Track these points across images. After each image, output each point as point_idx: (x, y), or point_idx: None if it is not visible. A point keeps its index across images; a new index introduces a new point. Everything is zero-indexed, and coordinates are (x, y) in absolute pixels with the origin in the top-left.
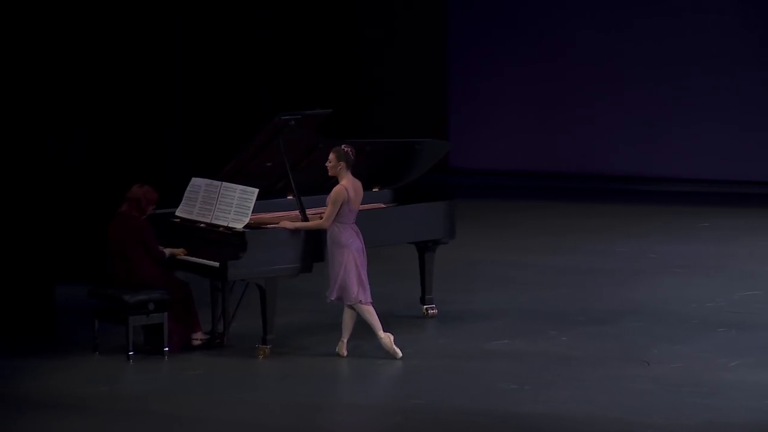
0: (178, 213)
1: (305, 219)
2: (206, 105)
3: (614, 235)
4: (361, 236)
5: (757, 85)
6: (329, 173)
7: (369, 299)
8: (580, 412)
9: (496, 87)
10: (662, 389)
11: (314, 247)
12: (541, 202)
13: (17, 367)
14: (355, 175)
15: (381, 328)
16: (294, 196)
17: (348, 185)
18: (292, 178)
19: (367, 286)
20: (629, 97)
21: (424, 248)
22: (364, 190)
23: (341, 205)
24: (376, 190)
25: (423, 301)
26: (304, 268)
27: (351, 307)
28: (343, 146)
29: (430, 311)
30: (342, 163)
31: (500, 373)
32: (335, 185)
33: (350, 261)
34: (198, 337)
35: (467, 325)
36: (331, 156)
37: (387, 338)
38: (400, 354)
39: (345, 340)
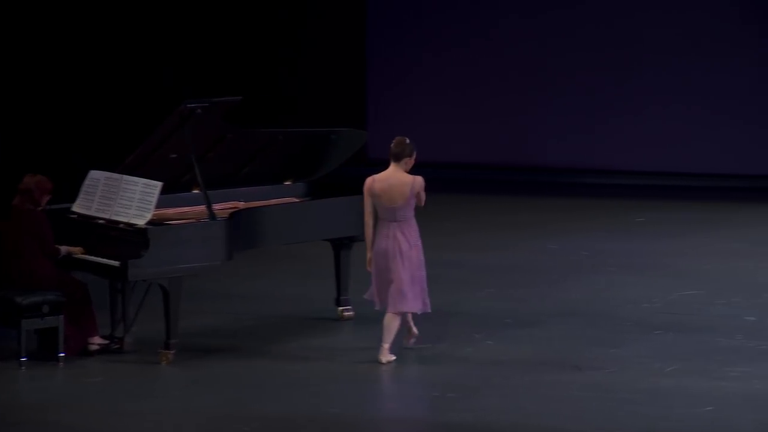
0: (74, 208)
1: (212, 214)
2: (109, 93)
3: (545, 231)
4: (394, 236)
5: (698, 75)
6: None
7: (378, 306)
8: (508, 421)
9: (417, 73)
10: (595, 396)
11: (221, 244)
12: (468, 195)
13: None
14: (266, 166)
15: (389, 341)
16: (200, 190)
17: (377, 177)
18: (199, 171)
19: (383, 292)
20: (562, 85)
21: (340, 246)
22: (274, 183)
23: (370, 200)
24: (289, 183)
25: (338, 303)
26: (211, 267)
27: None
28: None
29: (346, 313)
30: None
31: (422, 380)
32: (246, 178)
33: (373, 265)
34: (96, 342)
35: None
36: None
37: (385, 354)
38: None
39: (386, 346)
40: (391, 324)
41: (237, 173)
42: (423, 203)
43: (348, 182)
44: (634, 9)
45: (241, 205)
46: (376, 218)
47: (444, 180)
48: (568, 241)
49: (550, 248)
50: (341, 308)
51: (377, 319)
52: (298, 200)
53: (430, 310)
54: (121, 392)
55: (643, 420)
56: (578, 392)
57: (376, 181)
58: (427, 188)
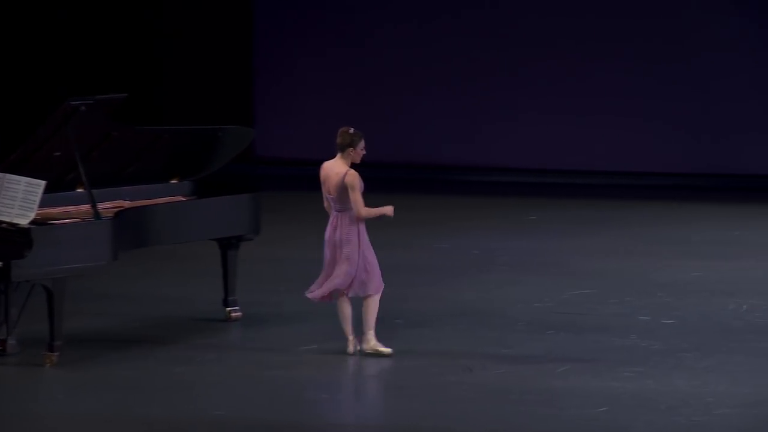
0: None
1: (96, 213)
2: None
3: (436, 230)
4: (336, 224)
5: (591, 73)
6: None
7: (312, 293)
8: (397, 423)
9: (305, 70)
10: (487, 397)
11: (106, 243)
12: None
13: None
14: (151, 164)
15: (351, 334)
16: (85, 189)
17: (325, 164)
18: (83, 169)
19: (321, 283)
20: (450, 84)
21: (227, 245)
22: (160, 182)
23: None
24: (176, 181)
25: (226, 303)
26: (96, 267)
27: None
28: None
29: (234, 314)
30: None
31: (309, 382)
32: (132, 176)
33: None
34: None
35: (273, 329)
36: None
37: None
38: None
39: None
40: (343, 317)
41: (122, 171)
42: (356, 209)
43: (236, 180)
44: (525, 10)
45: (127, 204)
46: None
47: None
48: (458, 240)
49: (440, 247)
50: (229, 309)
51: (264, 321)
52: (184, 199)
53: (316, 299)
54: (4, 395)
55: (535, 421)
56: (469, 393)
57: (323, 168)
58: (316, 187)
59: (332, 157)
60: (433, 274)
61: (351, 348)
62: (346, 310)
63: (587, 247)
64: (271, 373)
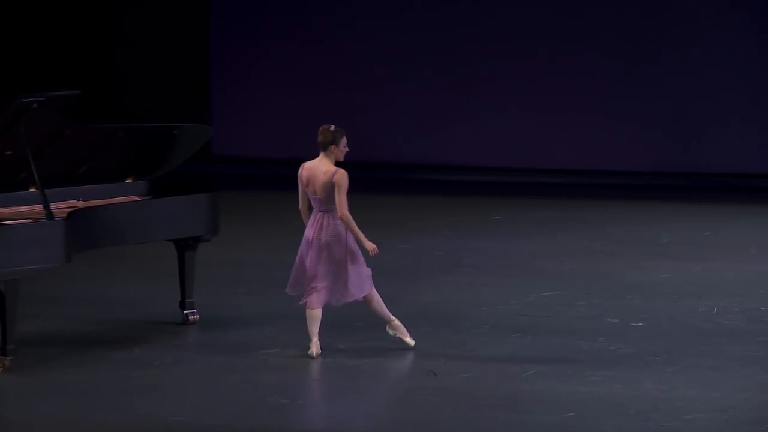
0: None
1: (49, 214)
2: None
3: (398, 230)
4: (322, 225)
5: (554, 71)
6: None
7: (302, 298)
8: (359, 429)
9: (263, 67)
10: (451, 402)
11: (59, 245)
12: None
13: None
14: (106, 163)
15: (315, 334)
16: (37, 189)
17: (306, 164)
18: (35, 169)
19: (297, 280)
20: (413, 81)
21: (184, 246)
22: (115, 181)
23: (301, 186)
24: (131, 181)
25: (183, 306)
26: (49, 269)
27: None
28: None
29: (191, 317)
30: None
31: (270, 386)
32: (85, 175)
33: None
34: None
35: (233, 333)
36: None
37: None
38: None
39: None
40: (311, 317)
41: (76, 170)
42: (339, 209)
43: (192, 179)
44: (488, 8)
45: (80, 204)
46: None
47: (293, 177)
48: (421, 241)
49: (401, 248)
50: (186, 311)
51: (224, 323)
52: (140, 199)
53: (336, 303)
54: None
55: (500, 426)
56: (433, 397)
57: (304, 169)
58: (275, 186)
59: (293, 155)
60: (396, 275)
61: (314, 350)
62: (316, 310)
63: (554, 248)
64: (231, 377)
